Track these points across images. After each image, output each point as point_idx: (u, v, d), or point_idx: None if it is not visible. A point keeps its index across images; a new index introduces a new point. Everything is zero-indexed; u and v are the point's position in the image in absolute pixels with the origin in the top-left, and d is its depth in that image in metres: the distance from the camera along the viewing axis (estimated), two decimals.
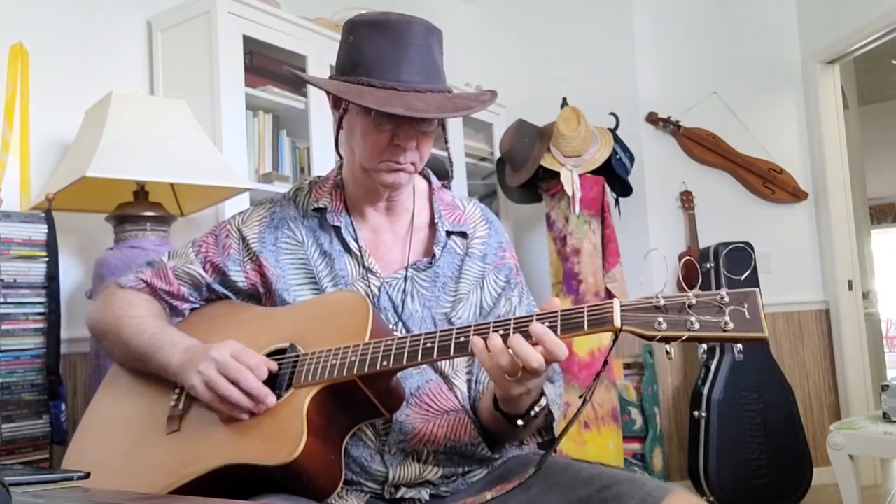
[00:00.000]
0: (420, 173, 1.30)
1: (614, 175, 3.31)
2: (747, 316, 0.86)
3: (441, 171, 1.31)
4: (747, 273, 3.24)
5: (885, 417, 2.57)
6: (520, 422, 1.04)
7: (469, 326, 0.99)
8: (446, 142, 1.26)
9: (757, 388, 3.16)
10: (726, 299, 0.88)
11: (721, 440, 3.08)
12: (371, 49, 1.11)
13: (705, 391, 3.15)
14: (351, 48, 1.15)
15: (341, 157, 1.26)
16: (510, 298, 1.26)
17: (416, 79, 1.10)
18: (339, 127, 1.20)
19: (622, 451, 3.12)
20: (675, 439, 3.46)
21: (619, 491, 0.98)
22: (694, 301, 0.89)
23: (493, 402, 1.08)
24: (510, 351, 0.93)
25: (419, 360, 1.00)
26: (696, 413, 3.18)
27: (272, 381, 1.06)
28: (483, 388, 1.20)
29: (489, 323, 0.98)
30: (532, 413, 1.04)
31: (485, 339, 0.95)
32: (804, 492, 3.11)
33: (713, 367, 3.18)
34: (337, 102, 1.20)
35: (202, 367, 1.05)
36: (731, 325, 0.86)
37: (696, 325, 0.88)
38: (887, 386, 2.60)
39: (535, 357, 0.92)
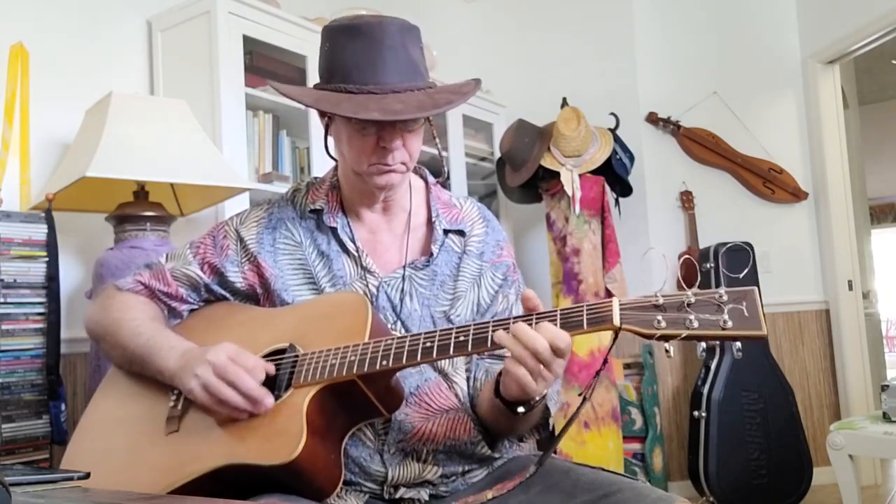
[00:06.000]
0: (416, 172, 1.30)
1: (614, 175, 3.31)
2: (746, 314, 0.86)
3: (435, 170, 1.31)
4: (746, 271, 3.24)
5: (885, 417, 2.57)
6: (521, 409, 1.02)
7: (468, 326, 0.99)
8: (434, 137, 1.25)
9: (757, 388, 3.16)
10: (725, 297, 0.88)
11: (721, 440, 3.08)
12: (346, 54, 1.11)
13: (705, 391, 3.15)
14: (327, 55, 1.15)
15: (335, 160, 1.26)
16: (507, 296, 1.26)
17: (394, 79, 1.10)
18: (327, 134, 1.21)
19: (622, 451, 3.12)
20: (675, 439, 3.46)
21: (620, 498, 0.98)
22: (693, 299, 0.89)
23: (495, 390, 1.07)
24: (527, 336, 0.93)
25: (419, 359, 1.00)
26: (696, 413, 3.17)
27: (271, 382, 1.06)
28: (480, 386, 1.20)
29: (488, 322, 0.98)
30: (532, 402, 1.02)
31: (507, 330, 0.94)
32: (804, 492, 3.11)
33: (713, 366, 3.18)
34: (322, 111, 1.20)
35: (199, 370, 1.05)
36: (729, 324, 0.86)
37: (695, 324, 0.88)
38: (887, 386, 2.60)
39: (562, 336, 0.92)
